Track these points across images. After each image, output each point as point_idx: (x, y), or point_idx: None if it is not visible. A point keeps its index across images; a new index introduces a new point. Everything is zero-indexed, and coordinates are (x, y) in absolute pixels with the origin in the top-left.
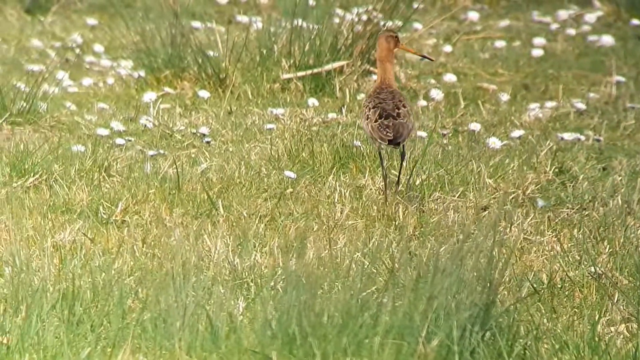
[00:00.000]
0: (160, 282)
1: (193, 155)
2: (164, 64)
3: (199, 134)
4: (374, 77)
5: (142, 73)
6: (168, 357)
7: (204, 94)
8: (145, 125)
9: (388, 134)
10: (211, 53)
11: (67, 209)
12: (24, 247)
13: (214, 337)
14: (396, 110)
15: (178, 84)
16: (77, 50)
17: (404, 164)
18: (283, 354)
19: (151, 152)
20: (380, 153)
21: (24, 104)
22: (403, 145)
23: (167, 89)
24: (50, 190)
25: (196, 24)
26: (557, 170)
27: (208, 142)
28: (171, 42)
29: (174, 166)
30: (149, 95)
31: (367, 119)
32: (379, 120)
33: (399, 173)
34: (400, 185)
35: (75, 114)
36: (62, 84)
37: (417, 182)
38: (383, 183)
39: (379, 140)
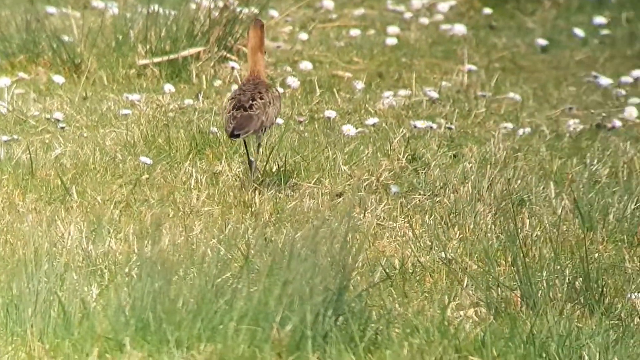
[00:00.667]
0: (12, 268)
1: (47, 141)
2: (18, 49)
3: (53, 120)
4: (231, 63)
5: None
6: (20, 343)
7: (59, 79)
8: None
9: (229, 126)
10: (66, 38)
11: None
12: None
13: (67, 323)
14: (250, 102)
15: (32, 69)
16: None
17: (260, 151)
18: (136, 340)
19: (5, 138)
20: (244, 140)
21: None
22: (260, 135)
23: (22, 74)
24: None
25: (51, 9)
26: (409, 157)
27: (62, 128)
28: (26, 27)
29: (28, 152)
30: (3, 81)
31: (224, 109)
32: (231, 112)
33: (252, 160)
34: (256, 173)
35: None
36: None
37: (274, 169)
38: (245, 168)
39: (226, 131)
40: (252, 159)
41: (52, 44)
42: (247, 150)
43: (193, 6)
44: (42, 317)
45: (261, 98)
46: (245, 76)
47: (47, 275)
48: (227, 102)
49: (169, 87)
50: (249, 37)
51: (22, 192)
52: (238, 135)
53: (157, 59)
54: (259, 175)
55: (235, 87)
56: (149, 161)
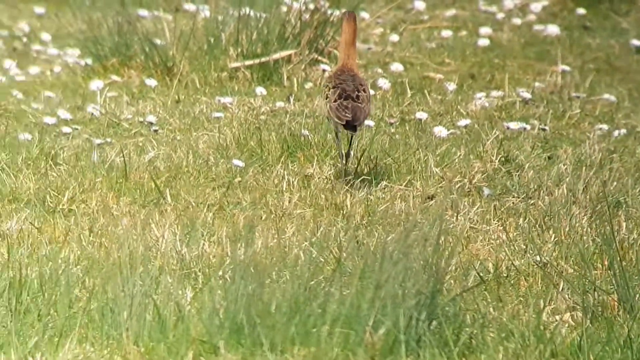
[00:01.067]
0: (107, 271)
1: (140, 144)
2: (110, 52)
3: (146, 123)
4: (322, 66)
5: (89, 61)
6: (115, 347)
7: (151, 82)
8: (93, 114)
9: (346, 115)
10: (158, 41)
11: (14, 198)
12: None
13: (162, 326)
14: (356, 93)
15: (125, 72)
16: (24, 39)
17: (354, 142)
18: (231, 343)
19: (98, 141)
20: (337, 134)
21: None
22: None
23: (114, 77)
24: None
25: (143, 12)
26: (503, 159)
27: (156, 131)
28: (118, 30)
29: (121, 155)
30: (96, 84)
31: (326, 99)
32: (339, 101)
33: (348, 153)
34: (350, 163)
35: (22, 102)
36: (10, 73)
37: (365, 171)
38: (341, 163)
39: (336, 120)
40: (343, 151)
41: (144, 47)
42: (338, 143)
43: (284, 9)
44: (137, 321)
45: (364, 91)
46: (337, 67)
47: (142, 278)
48: (327, 91)
49: (260, 90)
50: (342, 31)
51: (116, 195)
52: (355, 127)
53: (248, 62)
54: (351, 174)
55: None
56: (241, 164)
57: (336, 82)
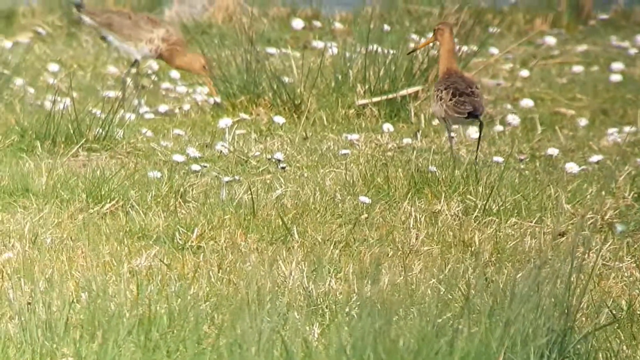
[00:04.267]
0: (235, 307)
1: (268, 181)
2: (239, 90)
3: (274, 160)
4: None
5: (218, 99)
6: None
7: (279, 119)
8: (221, 151)
9: (467, 107)
10: (286, 79)
11: (143, 235)
12: (101, 273)
13: None
14: (469, 89)
15: (253, 110)
16: (153, 77)
17: (482, 134)
18: None
19: (226, 178)
20: (448, 130)
21: (100, 130)
22: (480, 121)
23: (243, 115)
24: (127, 216)
25: (271, 49)
26: (636, 195)
27: (283, 168)
28: (246, 68)
29: (249, 192)
30: (225, 121)
31: (440, 100)
32: (454, 99)
33: (478, 143)
34: (477, 158)
35: (151, 140)
36: (138, 111)
37: (494, 208)
38: (449, 144)
39: (456, 116)
40: (453, 134)
41: (273, 85)
42: (451, 142)
43: (411, 45)
44: (266, 357)
45: (477, 87)
46: (442, 73)
47: (269, 314)
48: (439, 93)
49: (387, 127)
50: (444, 40)
51: (244, 232)
52: (477, 116)
53: (375, 99)
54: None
55: None
56: (367, 200)
57: (447, 84)
